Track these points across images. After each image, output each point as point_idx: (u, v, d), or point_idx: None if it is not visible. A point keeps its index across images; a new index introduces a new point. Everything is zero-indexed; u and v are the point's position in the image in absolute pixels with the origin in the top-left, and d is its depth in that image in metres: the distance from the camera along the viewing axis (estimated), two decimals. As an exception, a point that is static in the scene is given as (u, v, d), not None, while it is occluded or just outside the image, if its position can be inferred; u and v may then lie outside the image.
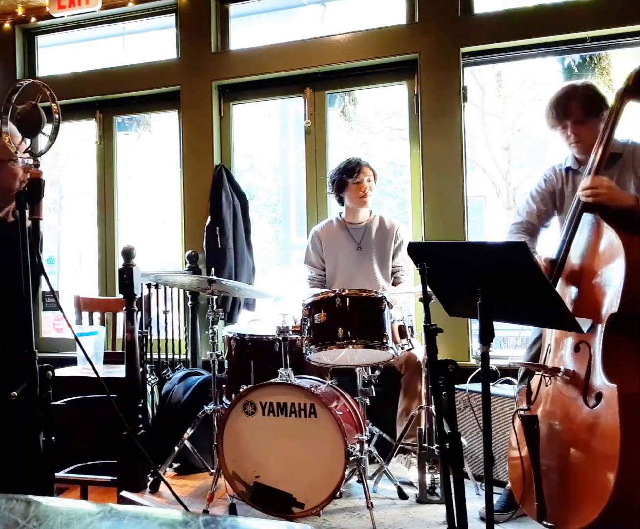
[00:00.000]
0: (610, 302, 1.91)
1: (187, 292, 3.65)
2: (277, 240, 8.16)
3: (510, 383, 2.84)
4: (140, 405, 2.88)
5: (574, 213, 2.16)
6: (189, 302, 3.69)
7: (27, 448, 1.45)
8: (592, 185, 2.10)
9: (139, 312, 2.92)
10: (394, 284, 3.20)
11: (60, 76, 4.24)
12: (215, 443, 2.67)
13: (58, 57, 4.67)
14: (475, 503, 2.41)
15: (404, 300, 3.19)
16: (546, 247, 2.51)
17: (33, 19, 4.18)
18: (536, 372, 2.16)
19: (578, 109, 2.31)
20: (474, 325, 3.20)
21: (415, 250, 1.84)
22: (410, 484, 2.69)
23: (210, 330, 2.79)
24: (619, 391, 1.76)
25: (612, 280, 1.93)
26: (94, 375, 1.77)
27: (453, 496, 1.62)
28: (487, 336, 1.67)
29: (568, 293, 2.11)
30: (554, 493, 1.91)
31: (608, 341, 1.89)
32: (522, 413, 1.99)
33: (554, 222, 2.55)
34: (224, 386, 2.85)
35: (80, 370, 3.08)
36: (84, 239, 7.52)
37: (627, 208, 2.07)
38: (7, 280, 1.47)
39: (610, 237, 1.99)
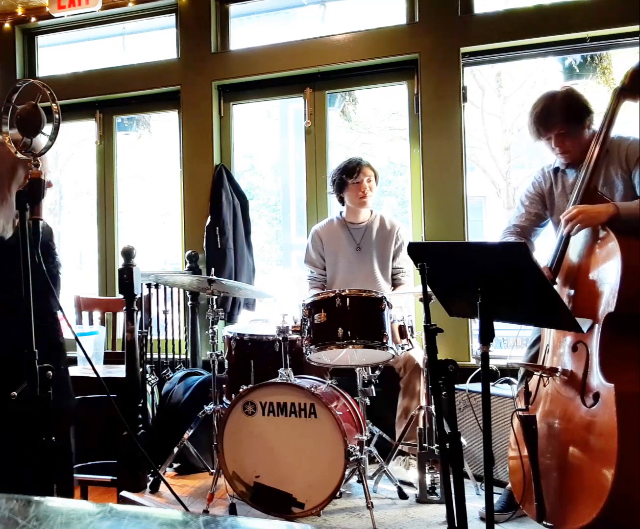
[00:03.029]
0: (607, 302, 1.91)
1: (187, 292, 3.65)
2: (277, 240, 8.15)
3: (510, 383, 2.84)
4: (140, 405, 2.88)
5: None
6: (189, 302, 3.69)
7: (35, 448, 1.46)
8: (567, 219, 2.10)
9: (139, 312, 2.92)
10: (395, 285, 3.20)
11: (60, 76, 4.24)
12: (215, 443, 2.67)
13: (58, 57, 4.67)
14: (475, 503, 2.41)
15: (405, 301, 3.19)
16: (542, 251, 2.51)
17: (33, 19, 4.19)
18: (535, 372, 2.16)
19: (559, 122, 2.25)
20: (474, 325, 3.20)
21: (415, 250, 1.84)
22: (410, 484, 2.69)
23: (210, 330, 2.79)
24: (616, 390, 1.77)
25: (608, 280, 1.93)
26: (94, 375, 1.77)
27: (453, 496, 1.62)
28: (487, 336, 1.68)
29: (566, 292, 2.11)
30: (553, 492, 1.91)
31: (605, 341, 1.89)
32: (520, 413, 2.00)
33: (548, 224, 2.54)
34: (224, 386, 2.85)
35: (80, 370, 3.09)
36: (84, 239, 7.51)
37: (610, 218, 2.04)
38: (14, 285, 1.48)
39: (606, 238, 2.00)
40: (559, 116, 2.25)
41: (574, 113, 2.26)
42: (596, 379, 1.87)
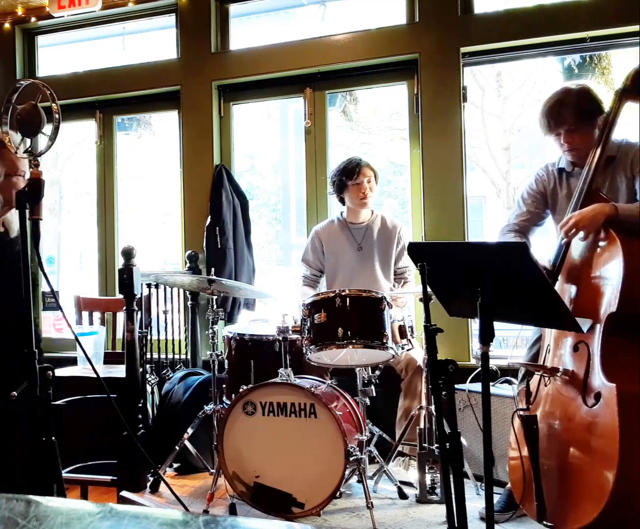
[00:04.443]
0: (609, 302, 1.91)
1: (187, 292, 3.65)
2: (277, 240, 8.16)
3: (510, 383, 2.84)
4: (140, 405, 2.88)
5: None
6: (189, 302, 3.68)
7: (30, 448, 1.46)
8: (565, 230, 2.09)
9: (139, 312, 2.92)
10: (402, 284, 3.21)
11: (60, 76, 4.24)
12: (215, 443, 2.67)
13: (58, 57, 4.68)
14: (475, 503, 2.41)
15: (406, 300, 3.20)
16: (542, 249, 2.50)
17: (33, 19, 4.18)
18: (535, 372, 2.16)
19: (571, 117, 2.24)
20: (474, 325, 3.19)
21: (415, 250, 1.84)
22: (410, 484, 2.69)
23: (210, 330, 2.79)
24: (618, 390, 1.77)
25: (610, 280, 1.93)
26: (94, 375, 1.77)
27: (453, 496, 1.62)
28: (487, 336, 1.67)
29: (567, 293, 2.11)
30: (553, 492, 1.91)
31: (606, 341, 1.89)
32: (521, 413, 1.99)
33: (549, 221, 2.53)
34: (224, 386, 2.85)
35: (80, 370, 3.09)
36: (84, 239, 7.52)
37: (607, 218, 2.03)
38: (7, 288, 1.48)
39: (608, 238, 1.99)
40: (572, 111, 2.23)
41: (586, 111, 2.25)
42: (598, 379, 1.86)
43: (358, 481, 2.66)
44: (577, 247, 2.13)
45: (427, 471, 2.56)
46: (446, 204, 3.42)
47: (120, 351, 3.41)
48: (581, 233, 2.07)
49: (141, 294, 2.98)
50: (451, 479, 1.64)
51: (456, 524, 1.62)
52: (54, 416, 2.07)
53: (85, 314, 3.65)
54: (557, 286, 2.12)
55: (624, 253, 1.90)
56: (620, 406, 1.74)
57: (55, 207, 7.43)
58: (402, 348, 2.60)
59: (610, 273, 1.94)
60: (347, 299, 2.46)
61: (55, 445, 1.49)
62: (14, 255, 1.84)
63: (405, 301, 3.02)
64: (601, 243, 2.03)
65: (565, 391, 1.99)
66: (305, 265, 3.30)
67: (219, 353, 2.79)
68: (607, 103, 2.25)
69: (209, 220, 3.76)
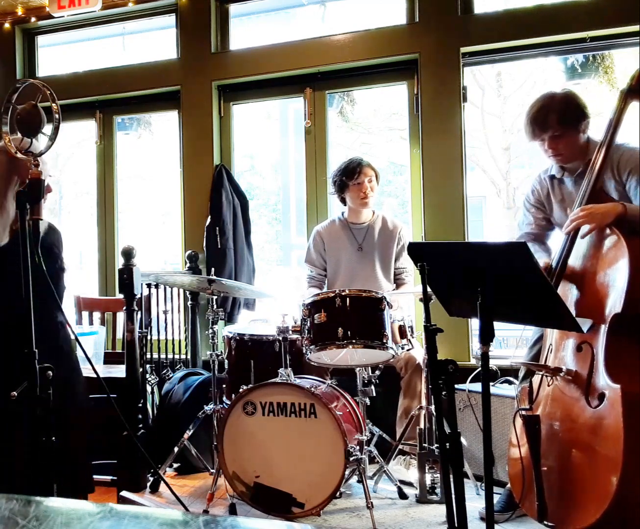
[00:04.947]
0: (614, 303, 1.91)
1: (187, 292, 3.65)
2: (277, 240, 8.16)
3: (510, 383, 2.84)
4: (140, 405, 2.88)
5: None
6: (189, 302, 3.69)
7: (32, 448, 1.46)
8: (572, 218, 2.08)
9: (139, 312, 2.92)
10: (398, 285, 3.20)
11: (60, 76, 4.24)
12: (215, 443, 2.67)
13: (58, 57, 4.68)
14: (475, 503, 2.41)
15: (405, 301, 3.20)
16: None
17: (33, 19, 4.19)
18: (537, 372, 2.15)
19: (555, 123, 2.23)
20: (474, 325, 3.19)
21: (415, 250, 1.84)
22: (410, 484, 2.69)
23: (210, 330, 2.79)
24: (622, 391, 1.76)
25: (615, 281, 1.93)
26: (94, 375, 1.77)
27: (453, 496, 1.62)
28: (487, 336, 1.67)
29: (570, 293, 2.11)
30: (554, 493, 1.91)
31: (611, 342, 1.89)
32: (523, 412, 1.99)
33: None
34: (224, 386, 2.85)
35: (80, 370, 3.08)
36: (84, 239, 7.52)
37: (617, 217, 2.02)
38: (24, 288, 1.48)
39: (613, 239, 1.99)
40: (556, 117, 2.23)
41: (570, 116, 2.24)
42: (602, 380, 1.86)
43: (358, 481, 2.65)
44: (581, 248, 2.12)
45: (427, 471, 2.56)
46: (446, 204, 3.42)
47: (120, 351, 3.41)
48: (584, 229, 2.06)
49: (141, 294, 2.98)
50: (451, 479, 1.64)
51: (456, 524, 1.62)
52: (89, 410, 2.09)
53: (85, 314, 3.65)
54: (559, 288, 2.11)
55: (629, 254, 1.90)
56: (625, 407, 1.73)
57: (55, 207, 7.43)
58: (402, 348, 2.60)
59: (616, 273, 1.93)
60: (347, 299, 2.46)
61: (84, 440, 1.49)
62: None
63: (401, 306, 2.98)
64: (606, 244, 2.02)
65: (568, 391, 1.99)
66: (309, 265, 3.30)
67: (219, 353, 2.79)
68: (610, 103, 2.24)
69: (209, 220, 3.76)
